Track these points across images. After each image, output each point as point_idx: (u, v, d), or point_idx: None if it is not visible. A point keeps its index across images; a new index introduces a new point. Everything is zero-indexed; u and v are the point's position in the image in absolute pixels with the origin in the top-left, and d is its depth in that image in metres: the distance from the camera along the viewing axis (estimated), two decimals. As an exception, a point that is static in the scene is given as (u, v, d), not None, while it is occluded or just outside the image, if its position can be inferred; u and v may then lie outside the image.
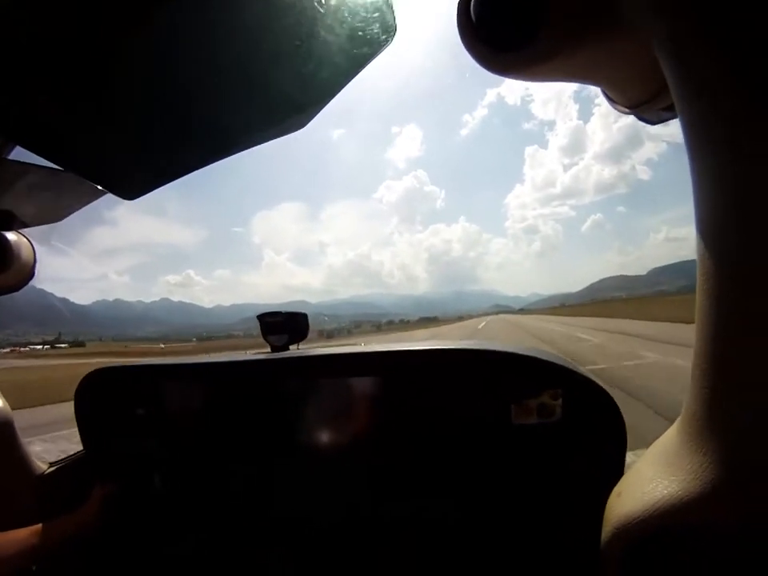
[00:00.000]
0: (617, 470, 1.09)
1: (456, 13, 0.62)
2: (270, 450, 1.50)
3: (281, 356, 1.52)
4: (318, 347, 1.73)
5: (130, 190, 1.17)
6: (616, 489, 0.69)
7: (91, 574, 1.64)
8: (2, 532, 1.36)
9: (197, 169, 1.14)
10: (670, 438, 0.61)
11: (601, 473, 1.04)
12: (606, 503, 0.70)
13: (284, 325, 1.67)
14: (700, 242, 0.51)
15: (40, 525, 1.42)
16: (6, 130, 1.06)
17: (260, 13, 0.77)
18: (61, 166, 1.12)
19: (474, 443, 1.26)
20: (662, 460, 0.60)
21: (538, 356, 1.21)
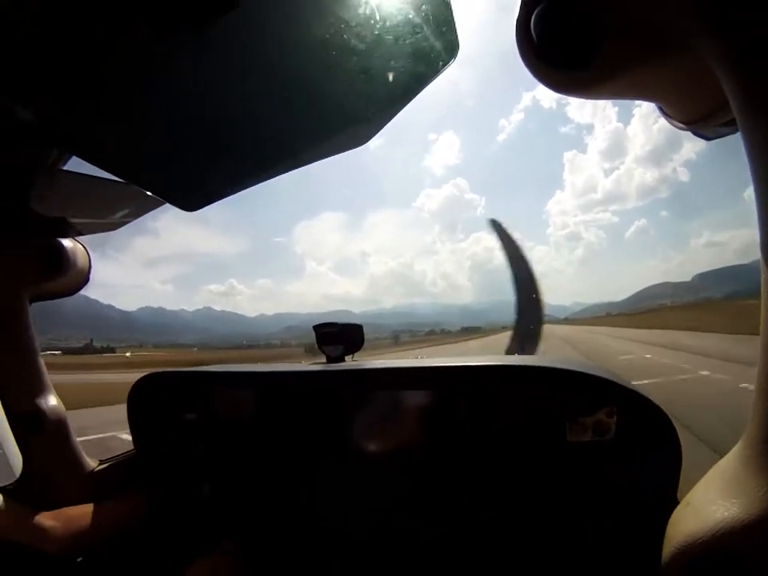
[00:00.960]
0: (672, 489, 1.09)
1: (515, 29, 0.62)
2: (319, 459, 1.52)
3: (336, 367, 1.54)
4: (371, 359, 1.76)
5: (191, 203, 1.20)
6: (677, 509, 0.67)
7: (129, 566, 1.71)
8: (52, 518, 1.51)
9: (259, 183, 1.18)
10: (733, 459, 0.59)
11: (655, 491, 1.05)
12: (660, 522, 0.68)
13: (339, 336, 1.70)
14: (766, 259, 0.49)
15: (89, 515, 1.58)
16: (63, 141, 1.10)
17: (324, 30, 0.78)
18: (120, 178, 1.15)
19: (526, 459, 1.25)
20: (724, 482, 0.59)
21: (593, 372, 1.20)
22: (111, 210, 1.46)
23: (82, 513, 1.59)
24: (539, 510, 1.24)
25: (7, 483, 1.69)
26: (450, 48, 0.85)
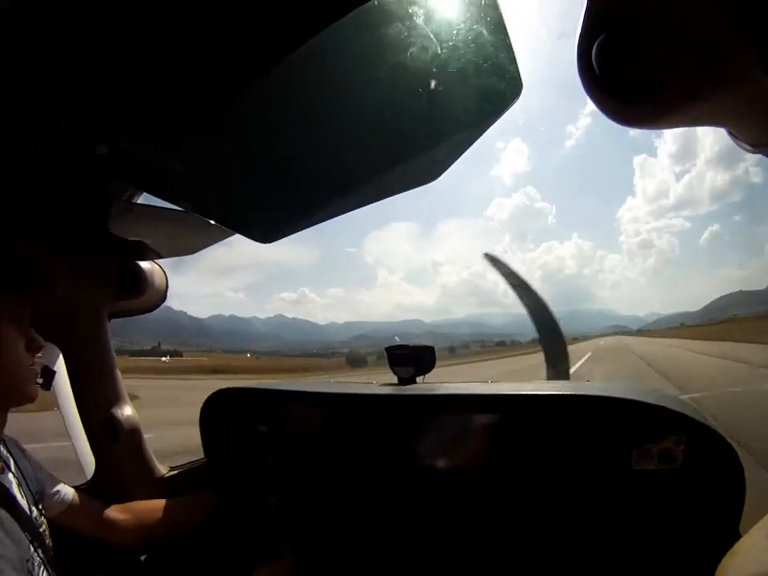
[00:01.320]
0: (734, 522, 1.07)
1: (576, 60, 0.59)
2: (383, 477, 1.56)
3: (406, 391, 1.58)
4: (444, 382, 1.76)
5: (265, 236, 1.25)
6: (732, 550, 0.67)
7: (191, 567, 1.80)
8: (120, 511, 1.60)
9: (331, 218, 1.23)
10: None
11: (718, 523, 1.04)
12: (719, 554, 0.69)
13: (411, 357, 1.73)
14: None
15: (157, 512, 1.67)
16: (135, 180, 1.17)
17: (394, 69, 0.81)
18: (196, 213, 1.22)
19: (591, 485, 1.25)
20: None
21: (662, 402, 1.19)
22: (187, 238, 1.55)
23: (151, 509, 1.68)
24: (602, 535, 1.24)
25: (79, 484, 1.80)
26: (514, 84, 0.88)
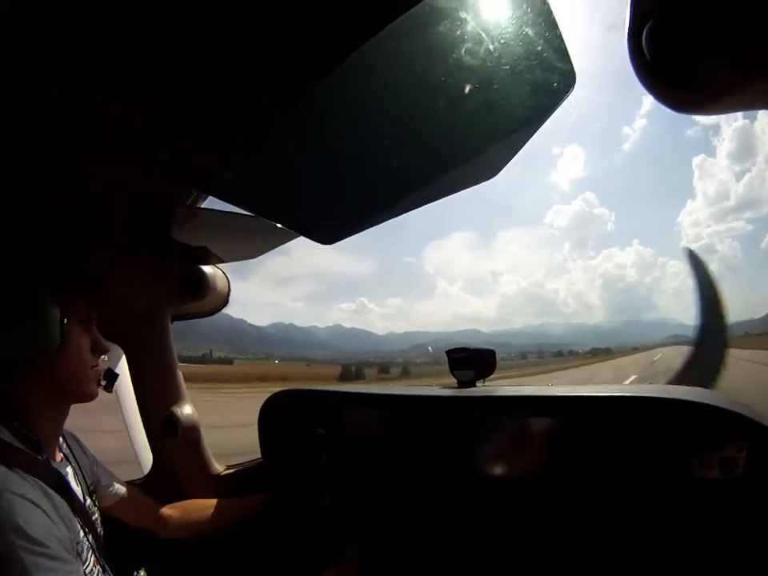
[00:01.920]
0: None
1: (627, 45, 0.60)
2: (439, 480, 1.56)
3: (466, 393, 1.58)
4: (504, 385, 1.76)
5: (326, 236, 1.30)
6: None
7: (242, 566, 1.87)
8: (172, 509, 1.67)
9: (391, 218, 1.27)
10: None
11: None
12: None
13: (471, 361, 1.74)
14: None
15: (209, 509, 1.72)
16: (199, 185, 1.22)
17: (447, 70, 0.83)
18: (258, 215, 1.27)
19: (650, 494, 1.21)
20: None
21: (723, 405, 1.14)
22: (249, 242, 1.60)
23: (203, 507, 1.74)
24: (659, 545, 1.20)
25: (135, 479, 1.92)
26: (567, 78, 0.88)
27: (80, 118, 0.93)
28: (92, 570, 1.13)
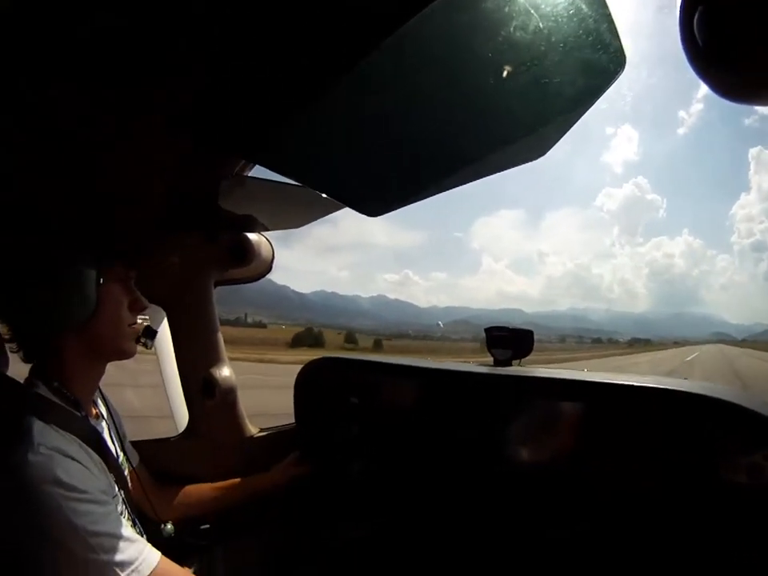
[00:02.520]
0: None
1: (679, 29, 0.57)
2: (468, 457, 1.60)
3: (502, 371, 1.61)
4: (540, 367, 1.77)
5: (373, 209, 1.33)
6: None
7: (269, 530, 1.93)
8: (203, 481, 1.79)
9: (439, 192, 1.28)
10: None
11: None
12: None
13: (509, 340, 1.76)
14: None
15: (241, 480, 1.83)
16: (247, 152, 1.25)
17: (496, 47, 0.84)
18: (306, 185, 1.29)
19: (673, 489, 1.21)
20: None
21: (757, 408, 1.12)
22: (295, 211, 1.64)
23: (234, 481, 1.84)
24: (679, 542, 1.19)
25: (171, 436, 2.03)
26: (618, 58, 0.89)
27: (132, 93, 0.96)
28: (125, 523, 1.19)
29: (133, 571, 1.03)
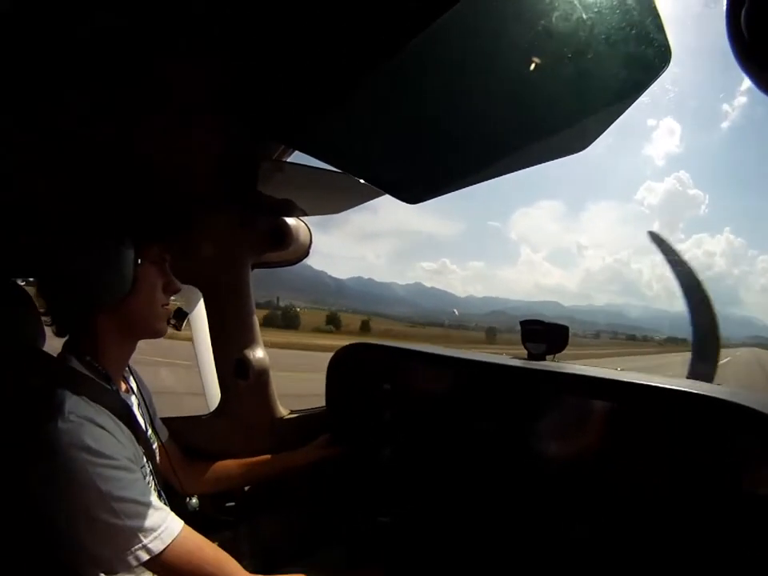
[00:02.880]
0: None
1: (725, 24, 0.54)
2: (495, 450, 1.61)
3: (535, 366, 1.61)
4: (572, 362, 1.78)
5: (413, 196, 1.33)
6: None
7: (295, 509, 1.99)
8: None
9: (479, 182, 1.31)
10: None
11: None
12: None
13: (544, 334, 1.76)
14: None
15: (271, 456, 1.88)
16: (288, 138, 1.27)
17: (540, 37, 0.84)
18: (346, 172, 1.31)
19: (695, 495, 1.18)
20: None
21: None
22: (334, 196, 1.67)
23: (263, 460, 1.88)
24: (699, 556, 1.16)
25: (202, 414, 2.08)
26: (663, 53, 0.88)
27: (174, 79, 0.99)
28: None
29: (155, 538, 1.07)
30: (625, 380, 1.35)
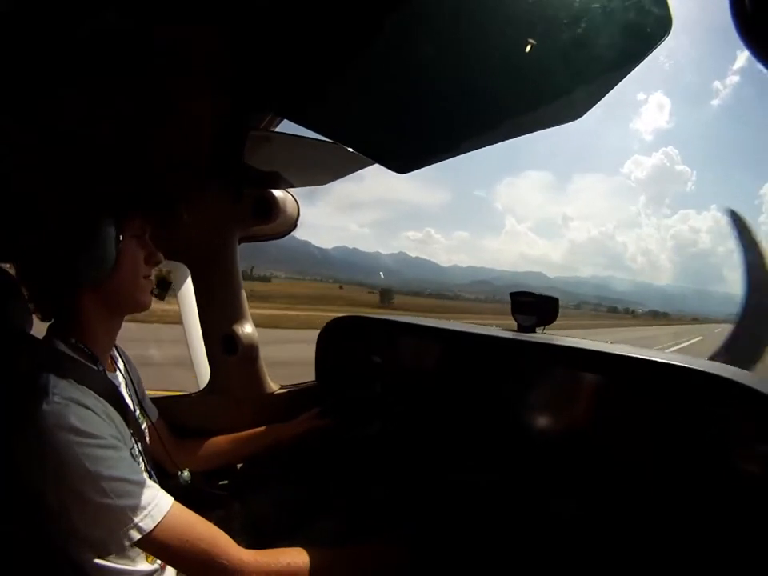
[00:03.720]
0: None
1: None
2: (486, 422, 1.62)
3: (525, 338, 1.62)
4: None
5: (403, 165, 1.32)
6: None
7: (287, 484, 1.99)
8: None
9: (471, 150, 1.30)
10: None
11: None
12: None
13: (534, 306, 1.77)
14: None
15: (263, 428, 1.89)
16: (277, 106, 1.26)
17: (536, 6, 0.83)
18: (334, 140, 1.30)
19: (687, 472, 1.18)
20: None
21: None
22: (322, 167, 1.65)
23: (253, 433, 1.90)
24: (688, 534, 1.16)
25: (192, 392, 2.09)
26: (663, 23, 0.87)
27: (165, 45, 0.97)
28: None
29: (146, 516, 1.07)
30: (616, 353, 1.36)
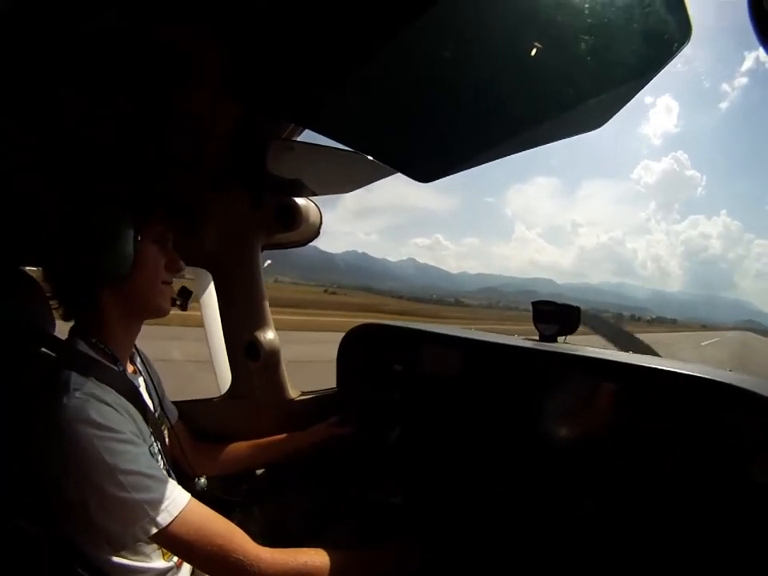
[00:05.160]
0: None
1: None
2: (506, 431, 1.64)
3: (547, 347, 1.64)
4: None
5: (425, 174, 1.36)
6: None
7: (305, 491, 2.02)
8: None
9: (492, 160, 1.32)
10: None
11: None
12: None
13: (556, 315, 1.79)
14: None
15: (282, 436, 1.92)
16: (299, 117, 1.29)
17: (557, 11, 0.84)
18: (357, 150, 1.32)
19: (703, 482, 1.21)
20: None
21: None
22: (344, 177, 1.68)
23: (273, 440, 1.93)
24: (705, 539, 1.18)
25: (213, 397, 2.13)
26: (683, 30, 0.87)
27: (183, 56, 1.00)
28: None
29: (163, 510, 1.10)
30: (638, 363, 1.38)
